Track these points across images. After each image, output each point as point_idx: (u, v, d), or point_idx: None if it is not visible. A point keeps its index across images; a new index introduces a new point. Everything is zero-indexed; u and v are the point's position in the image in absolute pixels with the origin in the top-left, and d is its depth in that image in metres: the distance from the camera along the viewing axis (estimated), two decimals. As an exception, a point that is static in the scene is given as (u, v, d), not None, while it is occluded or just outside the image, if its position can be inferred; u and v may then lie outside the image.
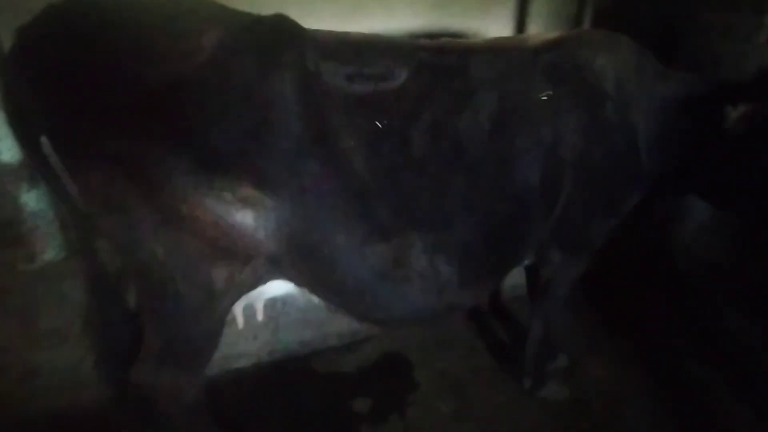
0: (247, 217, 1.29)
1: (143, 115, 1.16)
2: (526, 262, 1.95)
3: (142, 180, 1.19)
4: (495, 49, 1.66)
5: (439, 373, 2.29)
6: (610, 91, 1.68)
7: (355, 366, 2.35)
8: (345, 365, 2.35)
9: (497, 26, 2.84)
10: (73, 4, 1.19)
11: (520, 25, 2.88)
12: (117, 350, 1.59)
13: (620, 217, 1.87)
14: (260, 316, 1.85)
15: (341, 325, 2.41)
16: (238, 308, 1.71)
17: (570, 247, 1.85)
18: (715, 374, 2.22)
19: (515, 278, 2.17)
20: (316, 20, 1.49)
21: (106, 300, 1.61)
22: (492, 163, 1.55)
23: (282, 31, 1.30)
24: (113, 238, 1.31)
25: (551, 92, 1.60)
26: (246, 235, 1.31)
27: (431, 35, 2.08)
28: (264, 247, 1.35)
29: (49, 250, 2.37)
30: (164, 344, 1.45)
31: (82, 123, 1.16)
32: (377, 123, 1.40)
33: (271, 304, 2.32)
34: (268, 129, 1.24)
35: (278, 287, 1.59)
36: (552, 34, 1.76)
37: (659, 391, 2.16)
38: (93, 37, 1.15)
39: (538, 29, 2.86)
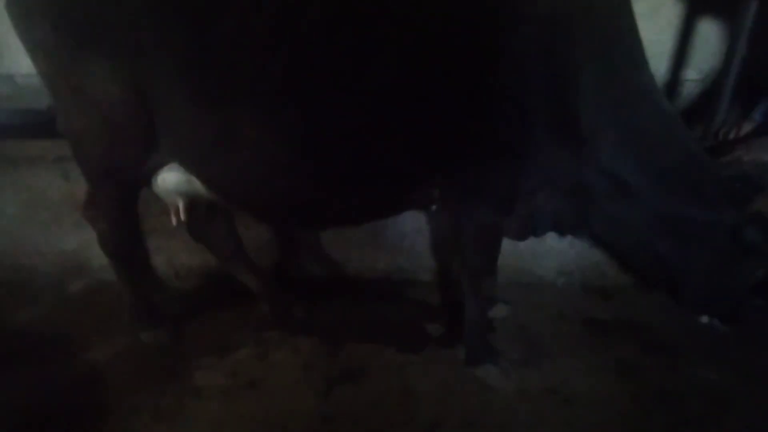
0: (115, 88, 1.66)
1: None
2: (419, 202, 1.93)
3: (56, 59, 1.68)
4: None
5: (519, 327, 2.37)
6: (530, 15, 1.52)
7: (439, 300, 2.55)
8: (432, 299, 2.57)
9: None
10: None
11: None
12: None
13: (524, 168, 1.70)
14: (183, 216, 2.05)
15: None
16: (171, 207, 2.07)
17: (462, 190, 1.76)
18: None
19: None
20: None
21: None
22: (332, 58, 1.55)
23: None
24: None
25: None
26: (119, 103, 1.67)
27: None
28: (137, 117, 1.69)
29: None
30: (89, 196, 2.01)
31: None
32: None
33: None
34: (118, 18, 1.57)
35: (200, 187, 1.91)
36: None
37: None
38: None
39: None
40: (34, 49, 1.73)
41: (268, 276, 2.49)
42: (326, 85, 1.59)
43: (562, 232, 2.08)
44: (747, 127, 2.23)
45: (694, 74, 3.08)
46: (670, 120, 1.72)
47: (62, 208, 2.47)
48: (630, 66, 1.66)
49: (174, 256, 2.62)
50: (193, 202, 2.09)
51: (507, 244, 2.57)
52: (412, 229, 2.58)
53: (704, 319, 1.98)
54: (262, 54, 1.56)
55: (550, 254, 2.64)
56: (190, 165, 1.85)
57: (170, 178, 1.94)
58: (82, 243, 2.56)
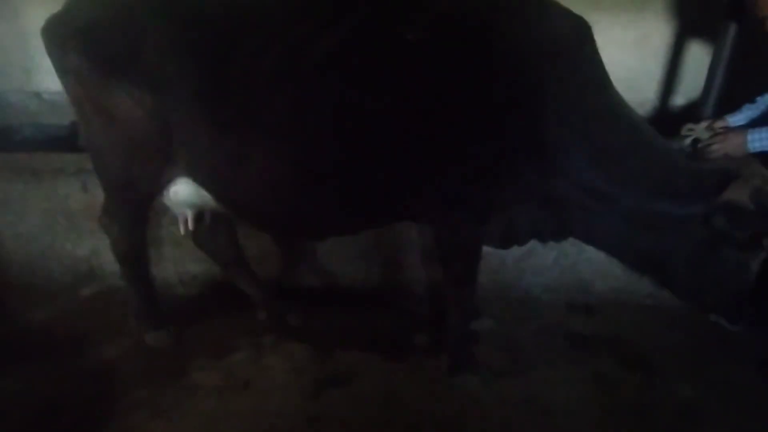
0: (137, 111, 1.86)
1: None
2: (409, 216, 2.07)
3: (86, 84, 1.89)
4: None
5: (502, 339, 2.47)
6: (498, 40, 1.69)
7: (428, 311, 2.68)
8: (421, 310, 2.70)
9: None
10: None
11: None
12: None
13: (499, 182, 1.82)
14: (191, 226, 2.25)
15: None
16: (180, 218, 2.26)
17: (442, 205, 1.89)
18: None
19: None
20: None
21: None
22: (331, 90, 1.75)
23: None
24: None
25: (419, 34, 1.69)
26: (141, 124, 1.87)
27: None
28: (156, 137, 1.89)
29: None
30: (105, 206, 2.20)
31: None
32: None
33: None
34: (144, 50, 1.79)
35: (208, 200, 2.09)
36: None
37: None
38: None
39: None
40: (65, 73, 1.93)
41: (266, 284, 2.63)
42: (324, 117, 1.79)
43: (543, 240, 2.16)
44: (720, 124, 2.31)
45: (682, 100, 3.20)
46: (637, 128, 1.83)
47: (79, 217, 2.66)
48: (594, 86, 1.80)
49: (180, 264, 2.79)
50: (199, 214, 2.28)
51: (495, 261, 2.72)
52: (404, 243, 2.71)
53: (713, 317, 2.00)
54: (269, 89, 1.77)
55: (536, 270, 2.75)
56: (202, 181, 2.03)
57: (182, 191, 2.10)
58: (95, 250, 2.74)
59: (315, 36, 1.74)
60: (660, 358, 2.39)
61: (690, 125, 2.31)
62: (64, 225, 2.70)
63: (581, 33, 1.77)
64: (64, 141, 3.06)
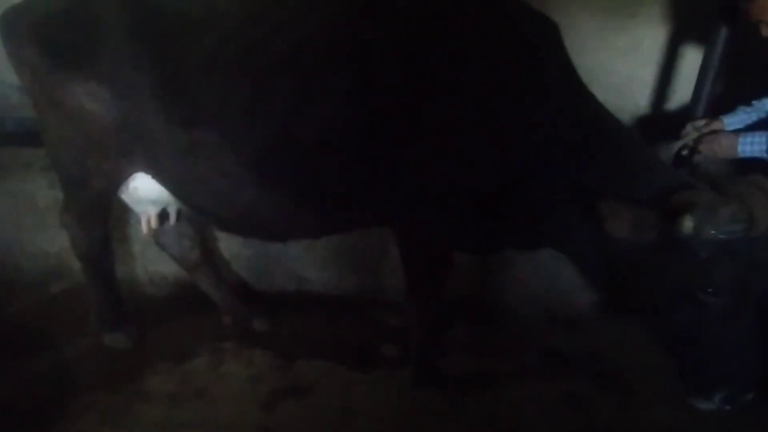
0: (91, 105, 1.82)
1: None
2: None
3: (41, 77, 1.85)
4: None
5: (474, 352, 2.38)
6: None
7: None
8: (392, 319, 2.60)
9: None
10: None
11: None
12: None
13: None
14: (153, 224, 2.21)
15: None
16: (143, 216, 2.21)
17: (402, 203, 1.80)
18: None
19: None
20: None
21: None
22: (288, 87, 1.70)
23: None
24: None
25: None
26: (96, 118, 1.83)
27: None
28: (111, 132, 1.84)
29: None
30: (64, 201, 2.15)
31: None
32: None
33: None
34: (99, 43, 1.75)
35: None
36: None
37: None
38: None
39: None
40: (20, 65, 1.89)
41: (231, 289, 2.56)
42: (279, 115, 1.73)
43: (517, 247, 2.11)
44: (715, 125, 2.20)
45: (674, 108, 3.08)
46: (607, 126, 1.76)
47: (47, 213, 2.61)
48: (561, 85, 1.73)
49: (149, 263, 2.73)
50: (163, 212, 2.22)
51: (474, 273, 2.62)
52: (378, 249, 2.63)
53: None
54: (227, 84, 1.73)
55: (515, 281, 2.65)
56: (160, 177, 1.98)
57: (142, 188, 2.06)
58: (64, 247, 2.69)
59: (272, 34, 1.71)
60: (638, 378, 2.28)
61: (690, 125, 2.21)
62: (33, 221, 2.66)
63: (546, 32, 1.71)
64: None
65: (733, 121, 2.24)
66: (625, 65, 3.01)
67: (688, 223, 1.35)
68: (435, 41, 1.65)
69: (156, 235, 2.32)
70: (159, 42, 1.75)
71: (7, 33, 1.86)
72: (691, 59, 2.90)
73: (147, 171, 1.98)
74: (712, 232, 1.36)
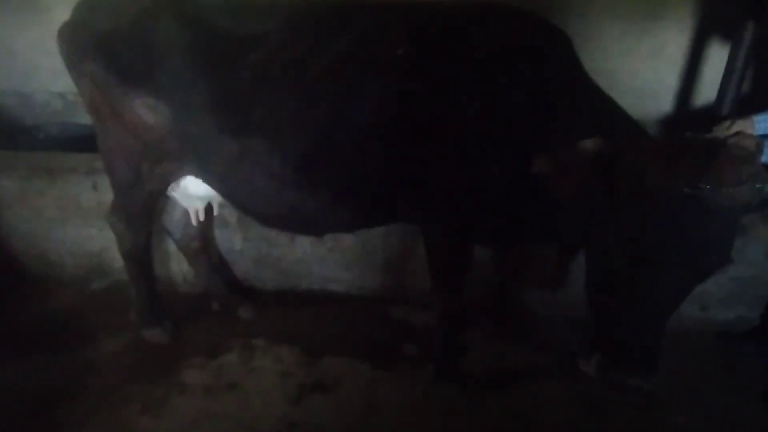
0: (150, 117, 1.96)
1: None
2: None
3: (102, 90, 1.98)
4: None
5: (494, 353, 2.46)
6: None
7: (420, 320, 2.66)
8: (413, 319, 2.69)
9: None
10: None
11: None
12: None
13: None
14: (201, 217, 2.40)
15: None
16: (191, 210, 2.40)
17: (424, 204, 1.93)
18: None
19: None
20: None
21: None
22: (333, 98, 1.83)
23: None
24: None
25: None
26: (153, 129, 1.98)
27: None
28: (166, 141, 1.99)
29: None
30: (114, 204, 2.30)
31: None
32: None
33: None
34: (159, 61, 1.89)
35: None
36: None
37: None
38: None
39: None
40: (81, 77, 2.02)
41: (225, 279, 2.75)
42: (321, 124, 1.86)
43: (536, 240, 2.18)
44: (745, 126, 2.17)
45: (699, 111, 3.06)
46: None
47: (91, 214, 2.78)
48: (575, 94, 1.78)
49: (183, 263, 2.87)
50: (207, 207, 2.42)
51: (495, 275, 2.67)
52: (400, 251, 2.71)
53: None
54: (274, 96, 1.86)
55: (535, 284, 2.69)
56: (210, 181, 2.13)
57: (191, 185, 2.22)
58: (106, 246, 2.86)
59: (314, 50, 1.84)
60: (656, 381, 2.30)
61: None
62: (77, 221, 2.83)
63: (559, 44, 1.80)
64: (86, 140, 3.20)
65: (765, 118, 2.22)
66: (650, 69, 3.02)
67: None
68: (458, 55, 1.76)
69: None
70: (212, 59, 1.88)
71: (68, 48, 1.99)
72: (716, 62, 2.89)
73: (197, 175, 2.13)
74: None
